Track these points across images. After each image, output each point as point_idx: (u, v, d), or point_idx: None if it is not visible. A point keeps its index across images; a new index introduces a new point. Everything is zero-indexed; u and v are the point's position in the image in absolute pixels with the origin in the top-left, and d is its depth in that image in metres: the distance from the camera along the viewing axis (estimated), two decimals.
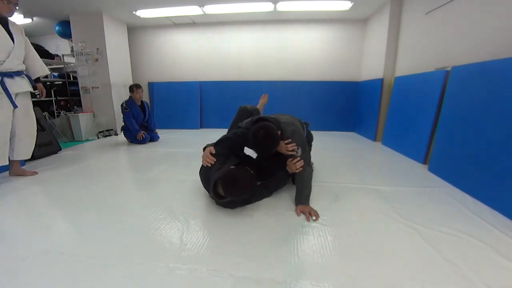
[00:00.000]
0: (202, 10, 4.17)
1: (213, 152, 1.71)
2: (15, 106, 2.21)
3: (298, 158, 1.73)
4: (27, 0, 3.63)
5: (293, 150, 1.74)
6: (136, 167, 2.85)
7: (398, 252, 1.25)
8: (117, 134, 4.61)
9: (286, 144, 1.74)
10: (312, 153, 2.37)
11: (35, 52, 2.46)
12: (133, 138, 3.79)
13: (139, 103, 3.88)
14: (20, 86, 2.27)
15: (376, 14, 4.12)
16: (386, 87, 3.77)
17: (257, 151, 1.72)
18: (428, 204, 1.76)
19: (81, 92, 4.57)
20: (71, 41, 4.53)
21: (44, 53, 4.78)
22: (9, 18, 2.20)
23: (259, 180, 1.89)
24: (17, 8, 2.21)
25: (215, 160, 1.68)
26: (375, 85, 3.98)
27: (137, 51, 5.26)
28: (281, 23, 4.77)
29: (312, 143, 2.40)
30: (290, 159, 1.75)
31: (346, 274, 1.10)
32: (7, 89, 2.15)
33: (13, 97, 2.21)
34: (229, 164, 1.64)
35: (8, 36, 2.15)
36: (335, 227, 1.48)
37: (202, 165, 1.76)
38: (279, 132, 1.70)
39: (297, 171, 1.72)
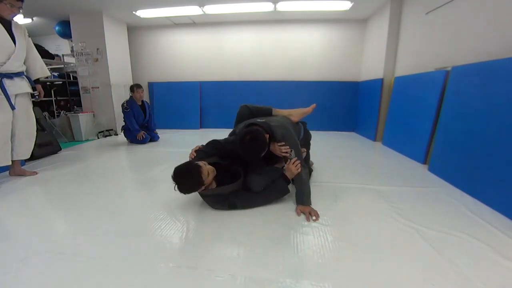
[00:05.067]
0: (202, 10, 4.17)
1: (197, 149, 1.79)
2: (13, 108, 2.21)
3: (295, 159, 1.73)
4: (27, 0, 3.63)
5: (286, 153, 1.74)
6: (136, 167, 2.85)
7: (398, 252, 1.25)
8: (117, 134, 4.61)
9: (279, 146, 1.76)
10: (312, 153, 2.37)
11: (37, 53, 2.47)
12: (133, 138, 3.80)
13: (140, 103, 3.88)
14: (19, 87, 2.27)
15: (376, 14, 4.12)
16: (386, 87, 3.77)
17: (246, 156, 1.72)
18: (428, 204, 1.76)
19: (81, 92, 4.57)
20: (71, 41, 4.53)
21: (44, 53, 4.78)
22: (13, 19, 2.22)
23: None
24: (20, 11, 2.22)
25: (195, 155, 1.75)
26: (375, 85, 3.98)
27: (137, 51, 5.26)
28: (281, 23, 4.77)
29: (313, 143, 2.40)
30: (288, 162, 1.74)
31: (346, 274, 1.10)
32: (6, 90, 2.15)
33: (12, 98, 2.21)
34: (203, 159, 1.67)
35: (10, 39, 2.16)
36: (335, 227, 1.48)
37: None
38: (268, 135, 1.71)
39: (297, 172, 1.71)
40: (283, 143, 1.75)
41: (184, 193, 1.56)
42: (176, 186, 1.49)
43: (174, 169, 1.51)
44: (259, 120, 1.84)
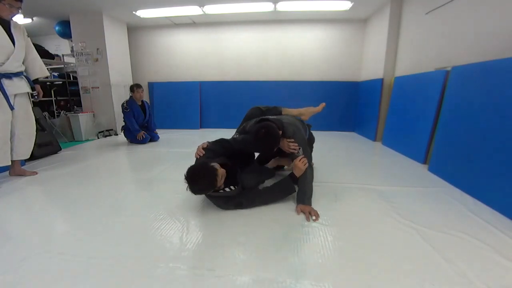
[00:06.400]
0: (202, 10, 4.17)
1: (205, 146, 1.77)
2: (11, 108, 2.21)
3: (302, 156, 1.73)
4: (27, 0, 3.63)
5: (294, 149, 1.76)
6: (136, 167, 2.85)
7: (398, 252, 1.25)
8: (117, 134, 4.61)
9: (288, 142, 1.77)
10: (312, 153, 2.37)
11: (36, 53, 2.46)
12: (133, 138, 3.80)
13: (140, 103, 3.88)
14: (18, 87, 2.27)
15: (376, 14, 4.12)
16: (386, 87, 3.77)
17: (258, 150, 1.73)
18: (428, 204, 1.76)
19: (81, 92, 4.57)
20: (71, 41, 4.53)
21: (44, 53, 4.78)
22: (12, 19, 2.21)
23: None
24: (20, 12, 2.22)
25: (203, 153, 1.73)
26: (375, 85, 3.98)
27: (137, 51, 5.26)
28: (281, 23, 4.77)
29: (313, 144, 2.41)
30: (296, 159, 1.74)
31: (346, 274, 1.10)
32: (4, 90, 2.15)
33: (11, 98, 2.21)
34: (214, 160, 1.66)
35: (8, 39, 2.15)
36: (335, 227, 1.48)
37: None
38: (281, 131, 1.73)
39: (305, 168, 1.71)
40: (292, 140, 1.78)
41: (195, 194, 1.56)
42: (188, 186, 1.48)
43: (188, 168, 1.49)
44: (271, 117, 1.86)
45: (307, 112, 2.22)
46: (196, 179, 1.46)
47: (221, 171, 1.52)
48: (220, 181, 1.51)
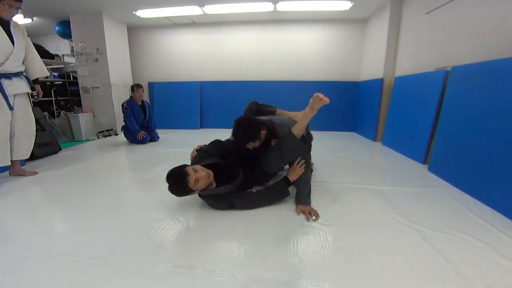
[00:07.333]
0: (202, 10, 4.17)
1: (198, 148, 1.82)
2: (10, 108, 2.21)
3: (303, 161, 1.70)
4: (27, 0, 3.63)
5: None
6: (136, 167, 2.85)
7: (398, 252, 1.25)
8: (117, 134, 4.61)
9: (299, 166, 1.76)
10: (312, 153, 2.37)
11: (36, 53, 2.46)
12: (133, 138, 3.80)
13: (140, 103, 3.88)
14: (17, 87, 2.27)
15: (376, 14, 4.12)
16: (386, 87, 3.77)
17: (235, 139, 1.75)
18: (428, 204, 1.76)
19: (81, 92, 4.57)
20: (71, 41, 4.53)
21: (44, 53, 4.78)
22: (11, 19, 2.21)
23: (247, 184, 1.86)
24: (19, 11, 2.22)
25: (196, 154, 1.79)
26: (375, 85, 3.98)
27: (137, 51, 5.26)
28: (281, 23, 4.77)
29: (313, 143, 2.41)
30: (294, 162, 1.72)
31: (346, 274, 1.10)
32: (4, 90, 2.15)
33: (11, 98, 2.21)
34: (206, 161, 1.71)
35: (8, 39, 2.15)
36: (335, 227, 1.47)
37: None
38: (265, 131, 1.74)
39: (301, 173, 1.69)
40: (302, 162, 1.75)
41: (177, 196, 1.60)
42: (170, 191, 1.55)
43: (167, 176, 1.54)
44: (263, 117, 1.88)
45: (300, 115, 2.23)
46: (170, 184, 1.53)
47: (198, 176, 1.50)
48: (198, 185, 1.51)
